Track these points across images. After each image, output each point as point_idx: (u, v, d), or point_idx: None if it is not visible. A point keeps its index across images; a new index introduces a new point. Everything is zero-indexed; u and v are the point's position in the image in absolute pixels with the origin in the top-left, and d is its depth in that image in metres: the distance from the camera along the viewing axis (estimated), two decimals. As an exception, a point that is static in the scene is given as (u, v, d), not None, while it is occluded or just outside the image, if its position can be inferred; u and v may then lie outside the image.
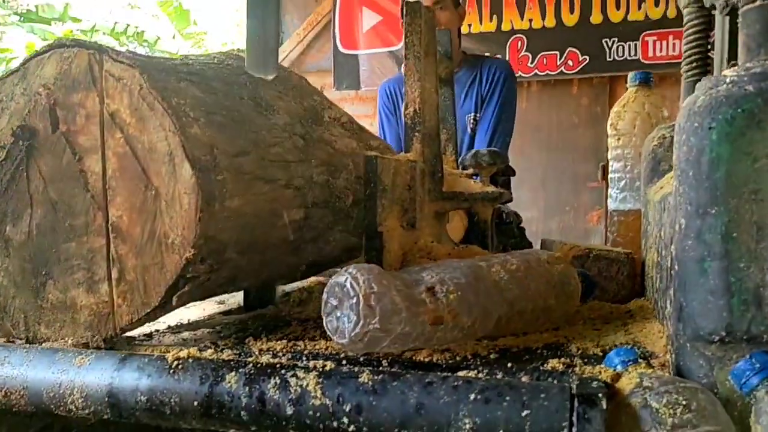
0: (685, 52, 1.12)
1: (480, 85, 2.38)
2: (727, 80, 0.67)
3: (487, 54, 2.79)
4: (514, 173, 1.48)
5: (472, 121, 2.38)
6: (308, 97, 1.05)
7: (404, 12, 1.10)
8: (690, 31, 1.10)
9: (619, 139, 1.27)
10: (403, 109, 1.12)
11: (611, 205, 1.28)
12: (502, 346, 0.81)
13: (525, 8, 6.80)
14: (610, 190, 1.28)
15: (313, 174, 0.95)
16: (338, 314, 0.72)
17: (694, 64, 1.09)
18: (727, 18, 0.95)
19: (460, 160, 1.25)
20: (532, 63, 6.85)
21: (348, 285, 0.71)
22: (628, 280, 1.09)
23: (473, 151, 1.22)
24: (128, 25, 10.70)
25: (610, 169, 1.29)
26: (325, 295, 0.73)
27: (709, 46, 1.10)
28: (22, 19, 9.80)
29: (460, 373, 0.69)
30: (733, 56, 1.01)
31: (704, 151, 0.66)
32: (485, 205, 1.15)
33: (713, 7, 0.96)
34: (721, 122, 0.65)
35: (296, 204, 0.91)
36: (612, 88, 6.60)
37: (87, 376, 0.73)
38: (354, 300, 0.70)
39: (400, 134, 2.38)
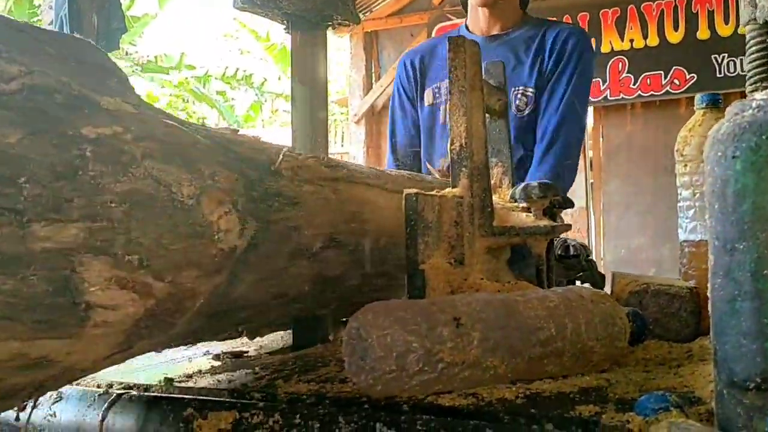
0: (748, 72, 1.05)
1: (542, 54, 1.88)
2: (754, 105, 0.62)
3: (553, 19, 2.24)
4: (572, 205, 1.39)
5: (522, 96, 1.88)
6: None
7: (448, 47, 1.10)
8: (753, 49, 1.04)
9: (686, 165, 1.20)
10: (448, 145, 1.10)
11: (681, 235, 1.21)
12: (535, 390, 0.77)
13: (625, 28, 6.64)
14: (679, 219, 1.21)
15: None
16: (356, 356, 0.72)
17: (759, 85, 1.03)
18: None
19: (510, 193, 1.22)
20: (634, 84, 6.65)
21: (361, 327, 0.70)
22: (692, 316, 1.02)
23: (523, 184, 1.19)
24: (237, 69, 11.25)
25: (679, 197, 1.22)
26: (345, 336, 0.74)
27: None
28: (143, 69, 10.52)
29: (477, 420, 0.67)
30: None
31: (729, 182, 0.62)
32: (538, 239, 1.12)
33: (766, 21, 0.90)
34: (746, 151, 0.60)
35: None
36: (725, 106, 6.30)
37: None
38: (367, 342, 0.70)
39: (421, 126, 1.99)
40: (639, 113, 6.66)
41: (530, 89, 1.86)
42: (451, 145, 1.11)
